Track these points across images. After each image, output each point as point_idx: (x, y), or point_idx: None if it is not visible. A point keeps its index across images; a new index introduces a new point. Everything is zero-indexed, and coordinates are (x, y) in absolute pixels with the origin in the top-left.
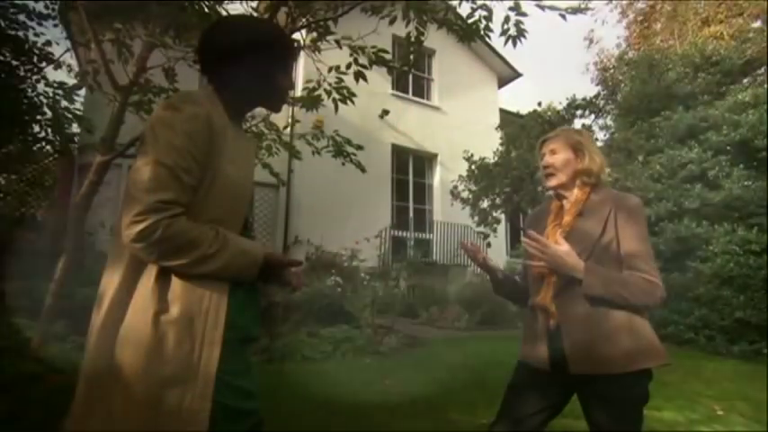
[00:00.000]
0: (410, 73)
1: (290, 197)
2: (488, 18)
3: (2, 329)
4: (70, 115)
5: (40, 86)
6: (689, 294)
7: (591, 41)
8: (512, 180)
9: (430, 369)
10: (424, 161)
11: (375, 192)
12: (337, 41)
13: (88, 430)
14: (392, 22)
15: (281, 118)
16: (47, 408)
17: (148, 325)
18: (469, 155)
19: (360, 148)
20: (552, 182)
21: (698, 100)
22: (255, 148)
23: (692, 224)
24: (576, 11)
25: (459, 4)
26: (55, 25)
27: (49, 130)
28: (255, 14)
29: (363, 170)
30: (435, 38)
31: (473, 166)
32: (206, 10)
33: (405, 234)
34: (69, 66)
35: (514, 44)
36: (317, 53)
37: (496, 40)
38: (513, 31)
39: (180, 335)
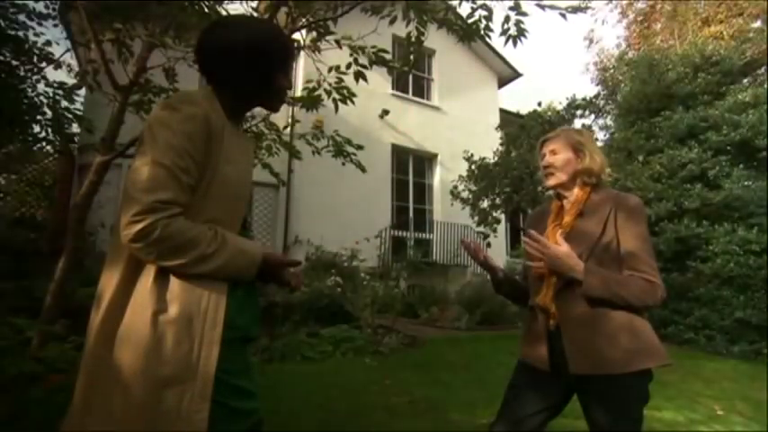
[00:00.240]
0: (410, 73)
1: (290, 197)
2: (488, 18)
3: (2, 329)
4: (70, 115)
5: (40, 86)
6: (689, 294)
7: (591, 41)
8: (512, 180)
9: (430, 369)
10: (424, 161)
11: (375, 192)
12: (337, 41)
13: (87, 430)
14: (392, 22)
15: (281, 118)
16: (47, 408)
17: (147, 325)
18: (469, 155)
19: (360, 148)
20: (552, 181)
21: (698, 100)
22: (254, 148)
23: (692, 224)
24: (576, 11)
25: (459, 4)
26: (55, 25)
27: (49, 130)
28: (255, 14)
29: (363, 170)
30: (435, 38)
31: (473, 166)
32: (206, 10)
33: (405, 234)
34: (69, 66)
35: (514, 44)
36: (317, 53)
37: (496, 40)
38: (513, 31)
39: (179, 334)
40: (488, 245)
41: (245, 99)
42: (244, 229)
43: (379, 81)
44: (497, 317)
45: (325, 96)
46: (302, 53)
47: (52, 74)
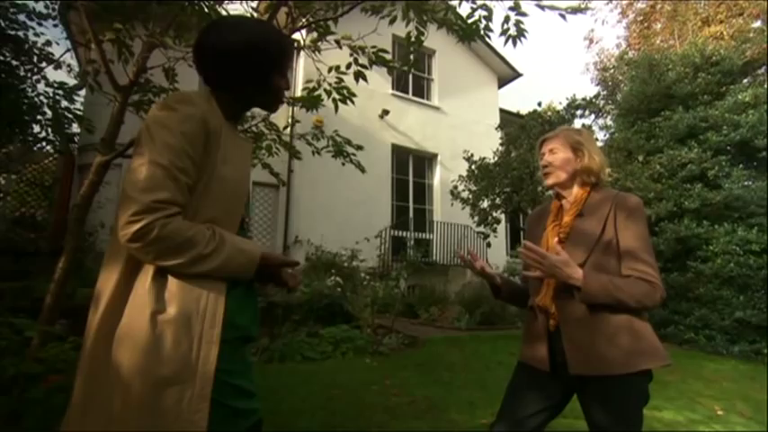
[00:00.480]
0: (410, 73)
1: (290, 197)
2: (488, 18)
3: (1, 329)
4: (70, 115)
5: (40, 86)
6: (689, 294)
7: (591, 41)
8: (512, 180)
9: (430, 369)
10: (424, 161)
11: (375, 192)
12: (337, 41)
13: (86, 430)
14: (392, 22)
15: (281, 118)
16: (47, 408)
17: (146, 324)
18: (469, 155)
19: (360, 148)
20: (551, 180)
21: (698, 100)
22: (252, 148)
23: (692, 224)
24: (576, 11)
25: (459, 4)
26: (55, 25)
27: (49, 130)
28: (255, 14)
29: (363, 170)
30: (435, 38)
31: (473, 166)
32: (206, 10)
33: (405, 234)
34: (69, 66)
35: (514, 44)
36: (317, 53)
37: (496, 40)
38: (513, 31)
39: (177, 334)
40: (488, 245)
41: (242, 100)
42: (242, 229)
43: (379, 81)
44: (497, 317)
45: (325, 96)
46: (302, 53)
47: (52, 74)
